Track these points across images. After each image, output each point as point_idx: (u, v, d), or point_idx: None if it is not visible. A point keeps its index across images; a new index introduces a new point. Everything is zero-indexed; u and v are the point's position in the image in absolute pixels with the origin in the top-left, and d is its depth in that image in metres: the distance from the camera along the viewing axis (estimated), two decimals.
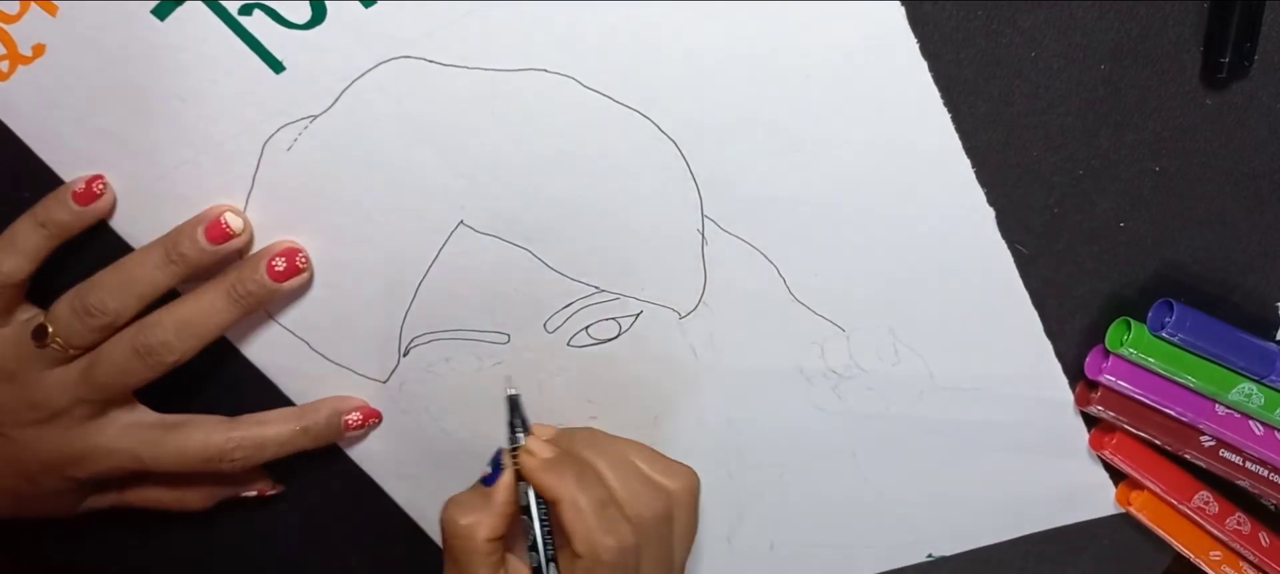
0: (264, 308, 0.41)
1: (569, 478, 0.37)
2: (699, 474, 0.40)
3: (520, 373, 0.44)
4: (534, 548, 0.38)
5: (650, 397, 0.45)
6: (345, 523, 0.51)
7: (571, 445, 0.39)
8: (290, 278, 0.39)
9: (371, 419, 0.45)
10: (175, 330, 0.39)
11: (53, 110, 0.37)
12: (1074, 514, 0.49)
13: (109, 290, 0.38)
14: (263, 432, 0.43)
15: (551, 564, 0.38)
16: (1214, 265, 0.40)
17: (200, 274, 0.39)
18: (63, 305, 0.38)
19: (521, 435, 0.39)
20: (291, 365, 0.44)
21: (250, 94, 0.36)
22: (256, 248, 0.40)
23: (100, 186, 0.38)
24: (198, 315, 0.39)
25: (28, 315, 0.40)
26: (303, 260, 0.40)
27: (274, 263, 0.39)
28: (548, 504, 0.38)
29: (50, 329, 0.38)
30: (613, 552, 0.36)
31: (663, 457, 0.40)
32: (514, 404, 0.40)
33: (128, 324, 0.39)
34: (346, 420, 0.45)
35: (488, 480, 0.39)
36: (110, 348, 0.39)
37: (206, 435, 0.42)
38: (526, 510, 0.38)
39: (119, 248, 0.40)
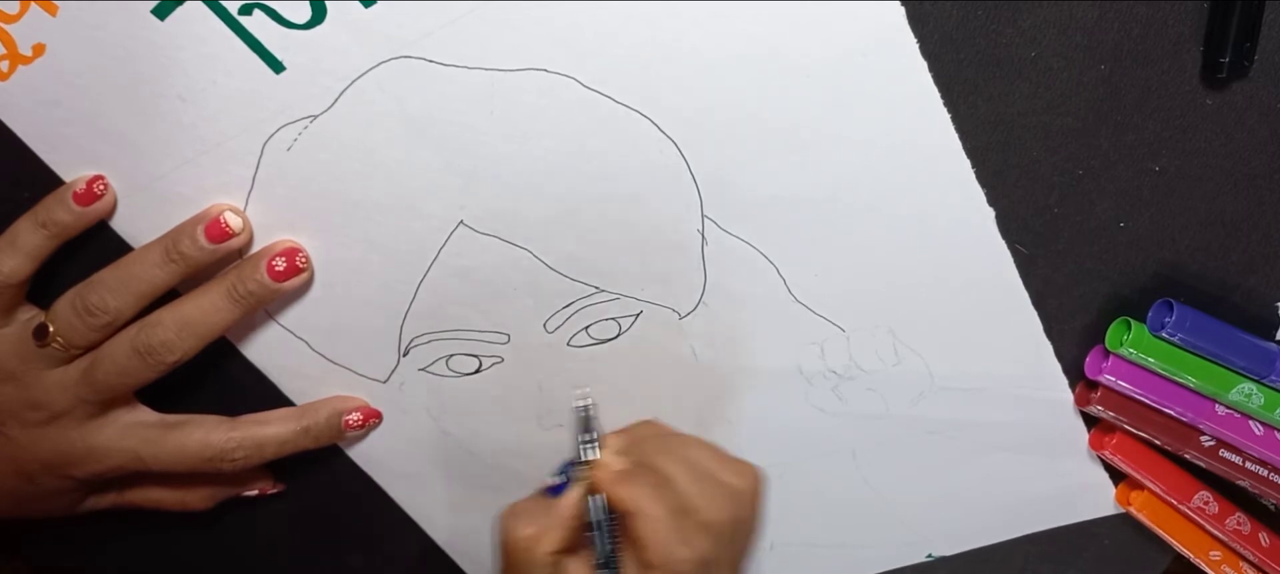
0: (264, 307, 0.41)
1: (645, 489, 0.36)
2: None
3: (520, 373, 0.44)
4: (607, 566, 0.37)
5: (650, 397, 0.45)
6: (345, 523, 0.51)
7: (643, 453, 0.38)
8: (290, 277, 0.39)
9: (372, 419, 0.45)
10: (176, 330, 0.39)
11: (53, 110, 0.37)
12: (1074, 514, 0.49)
13: (109, 289, 0.38)
14: (263, 431, 0.43)
15: None
16: (1214, 265, 0.40)
17: (200, 273, 0.39)
18: (63, 305, 0.38)
19: (592, 449, 0.38)
20: (291, 365, 0.44)
21: (250, 94, 0.36)
22: (256, 247, 0.40)
23: (101, 187, 0.38)
24: (198, 315, 0.39)
25: (28, 315, 0.40)
26: (303, 260, 0.40)
27: (274, 262, 0.39)
28: (620, 515, 0.37)
29: (51, 328, 0.38)
30: (689, 563, 0.35)
31: (727, 455, 0.39)
32: (585, 418, 0.39)
33: (128, 324, 0.39)
34: (347, 420, 0.45)
35: (553, 491, 0.38)
36: (111, 348, 0.39)
37: (206, 435, 0.42)
38: (597, 527, 0.37)
39: (119, 248, 0.40)
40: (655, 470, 0.37)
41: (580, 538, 0.38)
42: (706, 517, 0.36)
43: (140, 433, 0.42)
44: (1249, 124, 0.37)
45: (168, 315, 0.39)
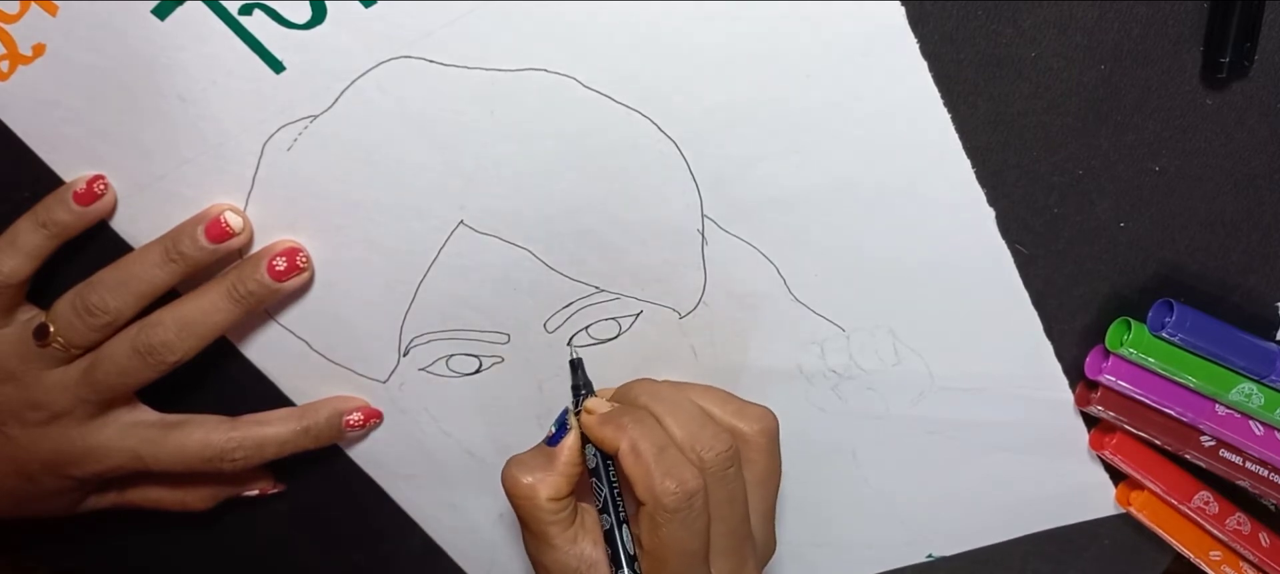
0: (264, 307, 0.41)
1: (626, 426, 0.36)
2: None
3: (520, 373, 0.44)
4: (605, 510, 0.37)
5: None
6: (345, 523, 0.51)
7: (629, 396, 0.39)
8: (291, 277, 0.39)
9: (372, 419, 0.45)
10: (176, 330, 0.39)
11: (53, 110, 0.37)
12: (1074, 514, 0.49)
13: (109, 289, 0.38)
14: (263, 431, 0.43)
15: (623, 526, 0.37)
16: (1214, 265, 0.40)
17: (200, 273, 0.39)
18: (64, 305, 0.38)
19: (582, 397, 0.39)
20: (291, 365, 0.44)
21: (250, 94, 0.36)
22: (256, 247, 0.40)
23: (101, 186, 0.38)
24: (199, 314, 0.39)
25: (28, 315, 0.40)
26: (303, 260, 0.40)
27: (275, 262, 0.39)
28: (610, 459, 0.37)
29: (51, 328, 0.38)
30: (675, 496, 0.35)
31: (736, 399, 0.39)
32: (576, 367, 0.40)
33: (129, 323, 0.39)
34: (347, 420, 0.45)
35: (551, 441, 0.38)
36: (111, 348, 0.39)
37: (207, 435, 0.42)
38: (596, 473, 0.38)
39: (119, 248, 0.40)
40: (639, 410, 0.38)
41: (587, 484, 0.38)
42: (694, 453, 0.36)
43: (140, 433, 0.42)
44: (1249, 124, 0.37)
45: (168, 315, 0.39)
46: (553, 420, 0.39)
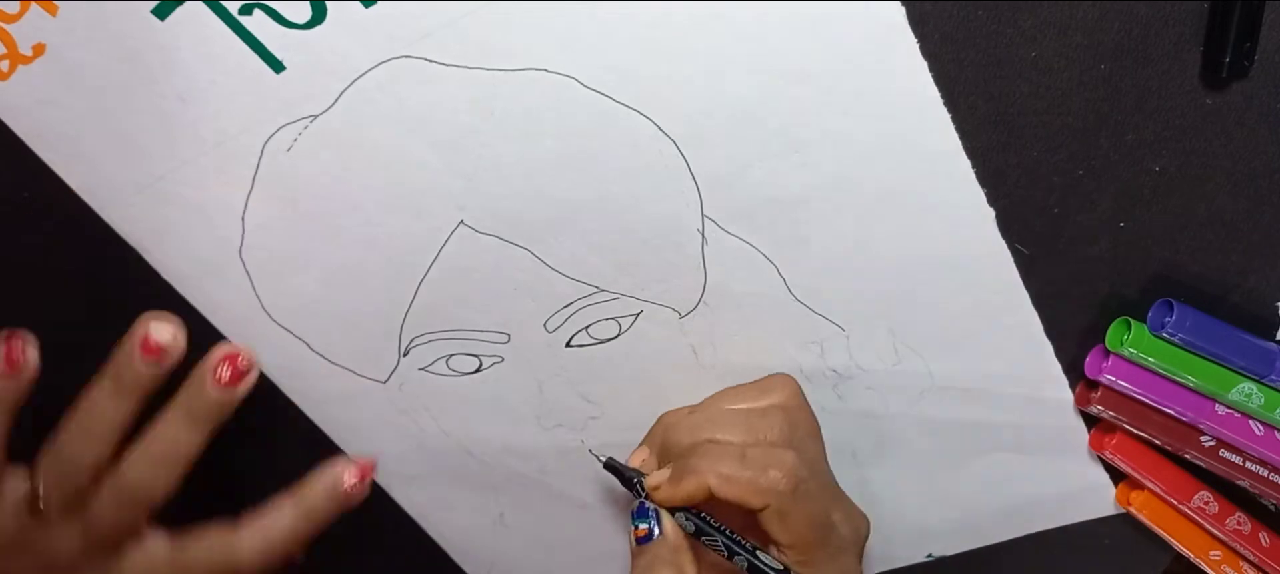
0: (227, 416, 0.39)
1: (697, 467, 0.37)
2: None
3: (520, 373, 0.44)
4: (734, 553, 0.38)
5: (650, 397, 0.45)
6: (346, 523, 0.51)
7: (666, 442, 0.39)
8: (241, 380, 0.38)
9: (368, 472, 0.43)
10: (150, 470, 0.38)
11: (53, 110, 0.37)
12: (1074, 514, 0.49)
13: (76, 442, 0.37)
14: (268, 534, 0.41)
15: (756, 552, 0.38)
16: (1214, 265, 0.40)
17: (156, 389, 0.37)
18: (43, 470, 0.37)
19: (639, 482, 0.40)
20: (291, 365, 0.44)
21: (250, 94, 0.36)
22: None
23: (20, 353, 0.36)
24: (168, 448, 0.38)
25: (14, 482, 0.38)
26: (244, 361, 0.38)
27: (219, 373, 0.37)
28: (707, 509, 0.38)
29: (40, 493, 0.37)
30: (783, 479, 0.36)
31: (752, 384, 0.41)
32: (615, 468, 0.41)
33: (112, 457, 0.38)
34: (346, 485, 0.42)
35: (643, 541, 0.39)
36: (99, 503, 0.38)
37: (211, 556, 0.40)
38: (700, 532, 0.38)
39: (119, 247, 0.40)
40: (696, 446, 0.38)
41: (701, 551, 0.39)
42: (770, 439, 0.37)
43: (153, 569, 0.40)
44: (1249, 124, 0.37)
45: (139, 456, 0.38)
46: (629, 529, 0.39)
